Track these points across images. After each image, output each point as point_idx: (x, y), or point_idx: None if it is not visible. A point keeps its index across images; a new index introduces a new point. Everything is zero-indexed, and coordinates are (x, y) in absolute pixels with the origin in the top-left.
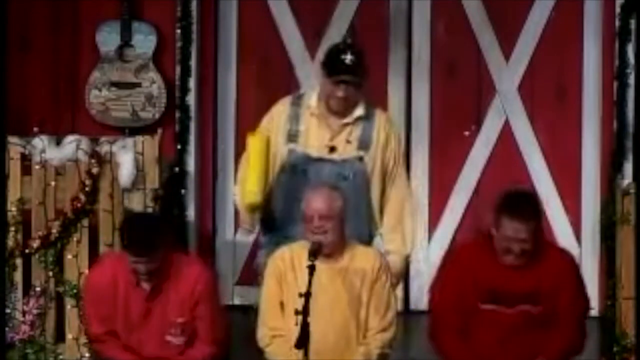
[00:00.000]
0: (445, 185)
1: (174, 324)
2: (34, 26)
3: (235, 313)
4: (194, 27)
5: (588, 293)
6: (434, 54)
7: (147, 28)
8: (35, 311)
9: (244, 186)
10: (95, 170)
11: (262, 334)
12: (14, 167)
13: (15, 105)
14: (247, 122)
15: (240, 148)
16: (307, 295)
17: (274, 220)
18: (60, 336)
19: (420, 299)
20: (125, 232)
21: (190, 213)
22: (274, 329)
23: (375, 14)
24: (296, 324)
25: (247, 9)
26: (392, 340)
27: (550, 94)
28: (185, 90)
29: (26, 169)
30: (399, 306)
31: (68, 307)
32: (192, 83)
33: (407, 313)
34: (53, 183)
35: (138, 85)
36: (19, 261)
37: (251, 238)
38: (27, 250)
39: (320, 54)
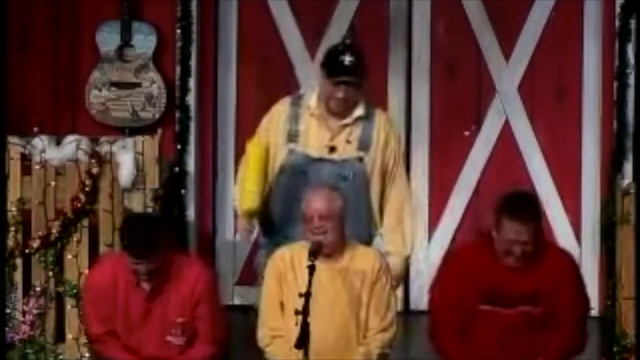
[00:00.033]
0: (445, 185)
1: (174, 324)
2: (34, 26)
3: (235, 313)
4: (194, 27)
5: (588, 293)
6: (434, 54)
7: (147, 28)
8: (35, 311)
9: (242, 192)
10: (95, 170)
11: (262, 334)
12: (14, 167)
13: (15, 105)
14: (247, 122)
15: (240, 148)
16: (307, 295)
17: (274, 220)
18: (60, 336)
19: (420, 299)
20: (126, 234)
21: (190, 213)
22: (274, 329)
23: (375, 14)
24: (296, 324)
25: (247, 9)
26: (392, 341)
27: (550, 94)
28: (185, 90)
29: (26, 169)
30: (399, 306)
31: (68, 307)
32: (192, 83)
33: (407, 313)
34: (53, 183)
35: (138, 85)
36: (19, 261)
37: (251, 239)
38: (27, 250)
39: (320, 54)
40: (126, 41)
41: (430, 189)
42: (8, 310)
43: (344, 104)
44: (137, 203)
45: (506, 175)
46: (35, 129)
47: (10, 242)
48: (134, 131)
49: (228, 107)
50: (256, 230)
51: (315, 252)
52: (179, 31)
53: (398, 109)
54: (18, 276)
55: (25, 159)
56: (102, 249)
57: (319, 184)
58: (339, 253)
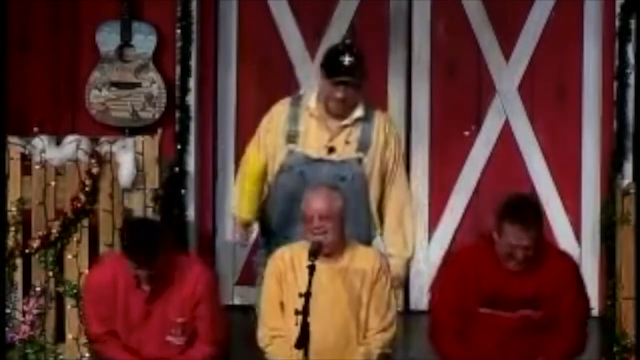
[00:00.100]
0: (445, 185)
1: (174, 324)
2: (34, 26)
3: (235, 313)
4: (194, 27)
5: (589, 295)
6: (434, 54)
7: (147, 28)
8: (35, 311)
9: (241, 203)
10: (95, 170)
11: (262, 334)
12: (14, 167)
13: (15, 105)
14: (247, 122)
15: (240, 148)
16: (307, 295)
17: (273, 220)
18: (60, 336)
19: (420, 299)
20: (126, 241)
21: (190, 213)
22: (274, 329)
23: (375, 14)
24: (296, 324)
25: (247, 9)
26: (392, 341)
27: (550, 94)
28: (185, 90)
29: (26, 169)
30: (399, 306)
31: (68, 307)
32: (192, 83)
33: (407, 313)
34: (53, 183)
35: (138, 85)
36: (19, 261)
37: (250, 241)
38: (27, 250)
39: (320, 54)
40: (126, 41)
41: (430, 189)
42: (8, 310)
43: (343, 104)
44: (137, 203)
45: (506, 175)
46: (35, 129)
47: (10, 242)
48: (134, 131)
49: (228, 107)
50: (255, 231)
51: (315, 252)
52: (179, 31)
53: (398, 109)
54: (18, 276)
55: (25, 159)
56: (102, 249)
57: (318, 184)
58: (339, 253)
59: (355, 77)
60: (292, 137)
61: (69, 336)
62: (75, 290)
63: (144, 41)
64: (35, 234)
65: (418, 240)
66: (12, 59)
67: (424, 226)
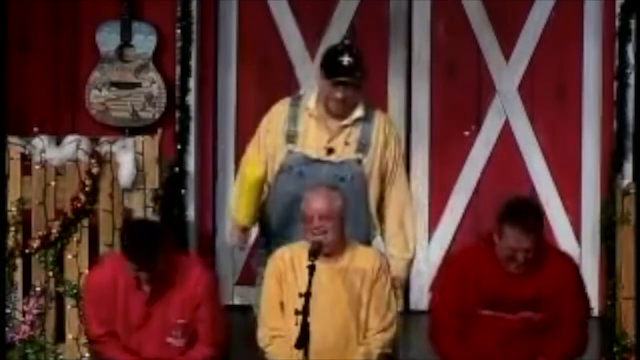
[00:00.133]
0: (445, 185)
1: (174, 325)
2: (34, 26)
3: (235, 313)
4: (194, 27)
5: (589, 296)
6: (434, 54)
7: (147, 28)
8: (35, 311)
9: (238, 209)
10: (95, 170)
11: (262, 334)
12: (14, 167)
13: (15, 105)
14: (247, 122)
15: (240, 148)
16: (307, 295)
17: (272, 220)
18: (60, 336)
19: (420, 299)
20: (126, 242)
21: (190, 213)
22: (274, 329)
23: (375, 14)
24: (296, 324)
25: (247, 9)
26: (392, 341)
27: (550, 94)
28: (185, 90)
29: (26, 169)
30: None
31: (68, 307)
32: (192, 83)
33: (407, 313)
34: (53, 183)
35: (138, 85)
36: (19, 261)
37: (249, 242)
38: (27, 250)
39: (321, 55)
40: (126, 41)
41: (430, 189)
42: (8, 310)
43: (342, 104)
44: (137, 203)
45: (506, 175)
46: (35, 129)
47: (10, 242)
48: (134, 131)
49: (228, 107)
50: (254, 233)
51: (315, 252)
52: (179, 31)
53: (398, 109)
54: (18, 276)
55: (25, 159)
56: (102, 249)
57: (318, 184)
58: (339, 253)
59: (354, 78)
60: (291, 137)
61: (69, 336)
62: (75, 290)
63: (144, 41)
64: (35, 234)
65: (419, 242)
66: (12, 59)
67: (424, 226)
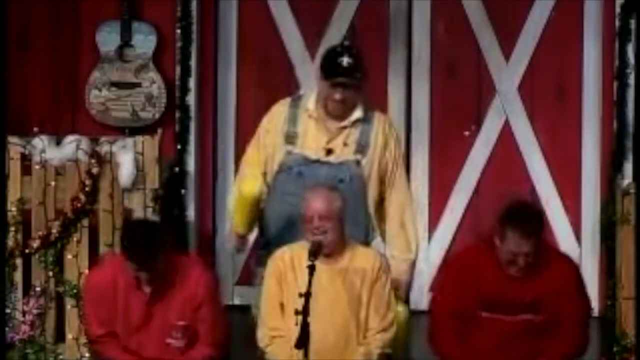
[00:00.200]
0: (445, 185)
1: (175, 326)
2: (34, 26)
3: (235, 313)
4: (194, 27)
5: (589, 296)
6: (434, 54)
7: (147, 28)
8: (35, 311)
9: (235, 220)
10: (95, 170)
11: (262, 335)
12: (14, 167)
13: (15, 105)
14: (247, 122)
15: (240, 148)
16: (307, 295)
17: (272, 220)
18: (60, 336)
19: (420, 299)
20: (126, 243)
21: (190, 213)
22: (274, 329)
23: (375, 14)
24: (296, 324)
25: (247, 9)
26: (392, 341)
27: (550, 94)
28: (185, 90)
29: (26, 169)
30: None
31: (68, 307)
32: (192, 83)
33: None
34: (53, 183)
35: (138, 85)
36: (19, 261)
37: (248, 245)
38: (27, 250)
39: (321, 55)
40: (126, 41)
41: (430, 189)
42: (8, 310)
43: (341, 105)
44: (137, 203)
45: (506, 175)
46: (35, 129)
47: (10, 242)
48: (134, 131)
49: (228, 107)
50: (253, 235)
51: (315, 252)
52: (179, 31)
53: (398, 109)
54: (18, 276)
55: (25, 159)
56: (102, 249)
57: (318, 185)
58: (338, 253)
59: (353, 79)
60: (290, 138)
61: (69, 336)
62: (75, 290)
63: (144, 41)
64: (35, 234)
65: (420, 243)
66: (12, 59)
67: (424, 226)
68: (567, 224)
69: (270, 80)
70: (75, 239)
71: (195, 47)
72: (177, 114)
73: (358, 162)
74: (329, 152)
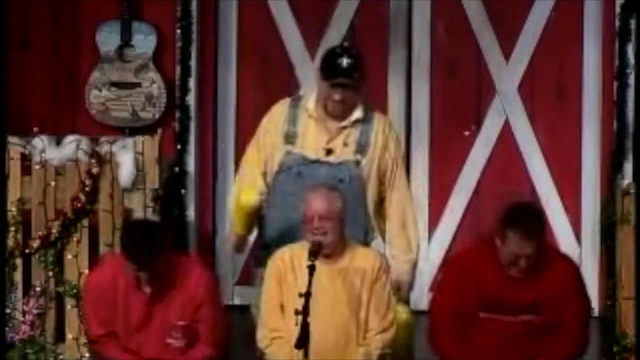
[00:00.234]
0: (445, 185)
1: (175, 326)
2: (34, 26)
3: (235, 313)
4: (194, 27)
5: (590, 297)
6: (434, 54)
7: (147, 28)
8: (35, 311)
9: (234, 224)
10: (95, 170)
11: (262, 335)
12: (14, 167)
13: (15, 105)
14: (247, 122)
15: (240, 148)
16: (307, 295)
17: (271, 220)
18: (60, 336)
19: (420, 299)
20: (126, 243)
21: (190, 213)
22: (274, 330)
23: (375, 14)
24: (296, 324)
25: (247, 9)
26: (392, 341)
27: (550, 94)
28: (185, 90)
29: (26, 169)
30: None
31: (68, 307)
32: (192, 83)
33: None
34: (53, 183)
35: (138, 85)
36: (19, 261)
37: (247, 246)
38: (27, 250)
39: (321, 55)
40: (126, 41)
41: (430, 189)
42: (8, 310)
43: (341, 106)
44: (137, 203)
45: (506, 175)
46: (35, 129)
47: (10, 242)
48: (134, 131)
49: (228, 107)
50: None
51: (315, 253)
52: (179, 31)
53: (398, 109)
54: (18, 276)
55: (25, 159)
56: (102, 249)
57: (318, 185)
58: (339, 253)
59: (353, 79)
60: (290, 138)
61: (69, 336)
62: (75, 290)
63: (144, 41)
64: (35, 234)
65: (421, 244)
66: (12, 59)
67: (424, 226)
68: (567, 224)
69: (270, 80)
70: (75, 239)
71: (195, 47)
72: (177, 114)
73: (358, 163)
74: (329, 152)
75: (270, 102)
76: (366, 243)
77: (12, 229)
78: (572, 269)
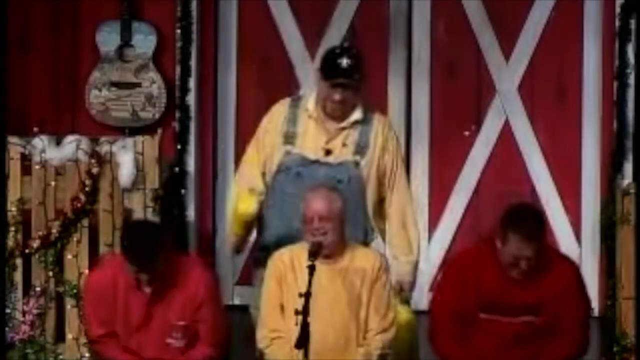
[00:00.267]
0: (445, 185)
1: (175, 327)
2: (34, 26)
3: (235, 313)
4: (194, 27)
5: (590, 297)
6: (434, 54)
7: (147, 28)
8: (35, 311)
9: (232, 228)
10: (95, 170)
11: (262, 336)
12: (14, 167)
13: (15, 105)
14: (247, 122)
15: (240, 148)
16: (307, 295)
17: (270, 221)
18: (60, 336)
19: (421, 299)
20: (126, 242)
21: (190, 213)
22: (274, 330)
23: (375, 14)
24: (296, 324)
25: (247, 9)
26: (392, 341)
27: (550, 94)
28: (185, 90)
29: (26, 169)
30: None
31: (68, 307)
32: (192, 83)
33: None
34: (53, 183)
35: (138, 85)
36: (19, 261)
37: (246, 247)
38: (27, 250)
39: (321, 55)
40: (126, 41)
41: (430, 189)
42: (8, 310)
43: (340, 106)
44: (137, 203)
45: (506, 175)
46: (35, 129)
47: (10, 242)
48: (134, 131)
49: (228, 107)
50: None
51: (314, 253)
52: (179, 31)
53: (398, 109)
54: (18, 276)
55: (25, 159)
56: (102, 249)
57: (318, 185)
58: (339, 254)
59: (353, 80)
60: (289, 138)
61: (69, 336)
62: (75, 290)
63: (144, 41)
64: (35, 234)
65: (422, 244)
66: (12, 59)
67: (424, 226)
68: (567, 224)
69: (270, 80)
70: (75, 239)
71: (195, 47)
72: (177, 114)
73: (357, 163)
74: (328, 152)
75: (270, 102)
76: (365, 243)
77: (12, 229)
78: (573, 269)
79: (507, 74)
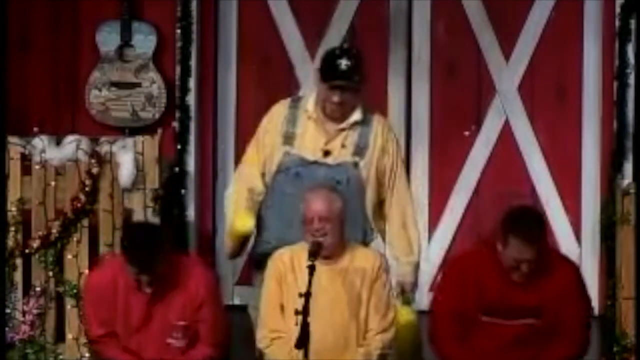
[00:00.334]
0: (445, 185)
1: (175, 327)
2: (34, 26)
3: (235, 313)
4: (194, 27)
5: (590, 299)
6: (434, 54)
7: (147, 28)
8: (35, 311)
9: (229, 233)
10: (95, 170)
11: (262, 336)
12: (14, 167)
13: (15, 105)
14: (247, 122)
15: (240, 148)
16: (307, 295)
17: (269, 221)
18: (60, 336)
19: (421, 299)
20: (126, 244)
21: (190, 213)
22: (274, 330)
23: (375, 14)
24: (296, 324)
25: (247, 9)
26: (392, 341)
27: (550, 94)
28: (185, 90)
29: (26, 169)
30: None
31: (68, 307)
32: (192, 83)
33: None
34: (53, 183)
35: (138, 85)
36: (19, 261)
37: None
38: (27, 250)
39: (321, 55)
40: (126, 41)
41: (430, 189)
42: (8, 310)
43: (340, 108)
44: (137, 203)
45: (506, 175)
46: (35, 129)
47: (10, 242)
48: (134, 131)
49: (228, 107)
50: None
51: (314, 253)
52: (179, 31)
53: (398, 109)
54: (18, 276)
55: (25, 159)
56: (102, 249)
57: (317, 186)
58: (338, 254)
59: (352, 81)
60: (289, 139)
61: (69, 336)
62: (75, 290)
63: (144, 41)
64: (35, 234)
65: (422, 245)
66: (12, 59)
67: (424, 226)
68: (567, 224)
69: (270, 80)
70: (75, 239)
71: (195, 47)
72: (177, 114)
73: (356, 164)
74: (327, 153)
75: (270, 102)
76: (365, 243)
77: (12, 229)
78: (573, 271)
79: (507, 74)
